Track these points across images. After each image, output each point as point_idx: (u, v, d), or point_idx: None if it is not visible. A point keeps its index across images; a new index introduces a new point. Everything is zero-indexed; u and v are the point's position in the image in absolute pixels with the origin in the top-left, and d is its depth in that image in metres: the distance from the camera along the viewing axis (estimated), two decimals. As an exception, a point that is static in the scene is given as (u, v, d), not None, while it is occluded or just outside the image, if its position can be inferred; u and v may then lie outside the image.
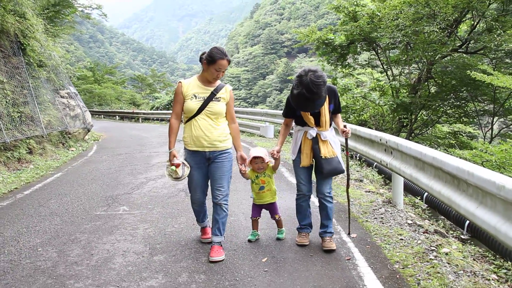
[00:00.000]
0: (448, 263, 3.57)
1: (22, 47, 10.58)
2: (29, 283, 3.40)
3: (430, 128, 13.88)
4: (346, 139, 4.17)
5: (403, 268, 3.54)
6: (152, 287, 3.29)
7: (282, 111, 4.30)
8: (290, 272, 3.51)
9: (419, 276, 3.36)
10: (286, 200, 5.74)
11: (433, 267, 3.49)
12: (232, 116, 3.98)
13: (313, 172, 4.11)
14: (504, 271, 3.55)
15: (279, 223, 4.31)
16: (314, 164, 4.03)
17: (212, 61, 3.66)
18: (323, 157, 3.87)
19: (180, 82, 3.89)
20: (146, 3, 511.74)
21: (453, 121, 13.10)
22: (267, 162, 4.12)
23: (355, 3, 13.51)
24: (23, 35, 10.46)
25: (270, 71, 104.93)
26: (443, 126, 14.36)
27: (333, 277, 3.40)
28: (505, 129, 12.96)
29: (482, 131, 12.67)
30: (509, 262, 3.64)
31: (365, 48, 14.44)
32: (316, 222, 4.31)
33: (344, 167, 4.01)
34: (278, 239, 4.27)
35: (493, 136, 11.45)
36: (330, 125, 4.00)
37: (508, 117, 12.07)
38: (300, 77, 3.55)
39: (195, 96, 3.76)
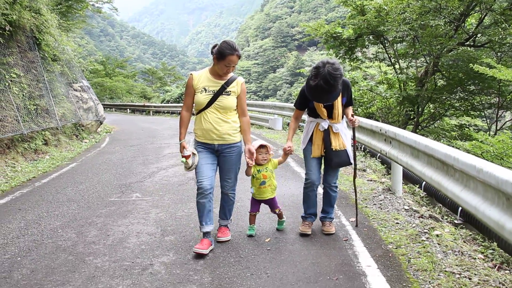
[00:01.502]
0: (439, 244, 3.83)
1: (37, 42, 10.93)
2: (52, 259, 3.73)
3: (438, 121, 14.01)
4: (354, 129, 4.29)
5: (396, 248, 3.80)
6: (164, 263, 3.60)
7: (290, 104, 4.36)
8: (291, 250, 3.79)
9: (410, 255, 3.63)
10: (291, 187, 6.00)
11: (424, 247, 3.75)
12: (243, 109, 3.96)
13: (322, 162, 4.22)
14: (491, 251, 3.80)
15: (280, 215, 4.35)
16: (324, 155, 4.11)
17: (221, 57, 3.65)
18: (333, 149, 3.98)
19: (191, 74, 3.89)
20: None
21: (460, 114, 13.20)
22: (270, 155, 4.13)
23: (363, -4, 13.67)
24: (38, 31, 10.81)
25: (280, 64, 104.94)
26: (450, 119, 14.47)
27: (330, 255, 3.68)
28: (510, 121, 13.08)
29: (487, 124, 12.80)
30: (495, 243, 3.87)
31: (372, 41, 14.57)
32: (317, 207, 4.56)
33: (352, 160, 4.15)
34: (277, 230, 4.33)
35: (498, 128, 11.57)
36: (342, 117, 4.09)
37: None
38: (317, 68, 3.63)
39: (205, 90, 3.77)
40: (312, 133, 4.10)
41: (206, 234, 3.89)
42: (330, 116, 4.00)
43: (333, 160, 4.01)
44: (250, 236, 4.22)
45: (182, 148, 3.83)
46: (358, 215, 4.57)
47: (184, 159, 3.79)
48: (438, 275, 3.22)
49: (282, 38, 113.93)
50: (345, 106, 4.09)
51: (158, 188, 6.42)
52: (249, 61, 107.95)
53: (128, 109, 35.43)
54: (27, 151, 9.49)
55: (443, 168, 3.69)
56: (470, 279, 3.13)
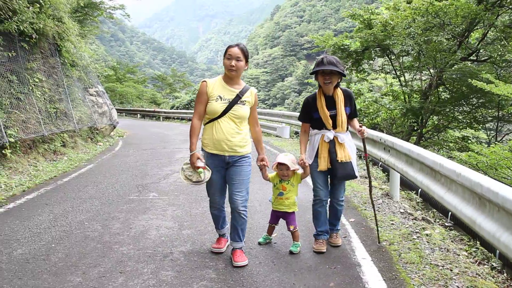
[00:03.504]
0: (428, 242, 4.28)
1: (58, 49, 11.54)
2: (82, 246, 4.22)
3: (442, 133, 14.38)
4: (364, 141, 4.29)
5: (389, 245, 4.25)
6: (182, 251, 4.07)
7: (298, 113, 4.43)
8: (295, 244, 4.25)
9: (401, 250, 4.08)
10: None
11: (414, 244, 4.21)
12: (256, 119, 3.94)
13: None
14: (475, 249, 4.24)
15: (294, 236, 4.14)
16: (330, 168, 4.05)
17: (224, 52, 3.70)
18: (339, 161, 3.94)
19: (204, 81, 3.76)
20: (167, 3, 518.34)
21: (463, 126, 13.56)
22: (294, 170, 4.02)
23: (370, 11, 14.18)
24: (60, 38, 11.42)
25: (289, 73, 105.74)
26: (454, 131, 14.81)
27: (330, 249, 4.14)
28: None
29: (488, 136, 13.20)
30: (478, 242, 4.31)
31: (379, 54, 15.03)
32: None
33: (357, 173, 4.12)
34: (291, 252, 4.05)
35: (498, 140, 11.98)
36: (347, 128, 4.12)
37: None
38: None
39: (220, 98, 3.65)
40: (318, 145, 4.08)
41: (222, 234, 4.15)
42: (335, 126, 4.03)
43: (338, 172, 3.97)
44: (259, 244, 4.27)
45: (196, 158, 3.72)
46: (357, 216, 5.03)
47: (201, 170, 3.70)
48: (424, 267, 3.67)
49: (291, 47, 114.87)
50: (349, 117, 4.14)
51: (173, 189, 6.91)
52: (258, 69, 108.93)
53: (138, 114, 36.12)
54: (47, 152, 10.02)
55: (432, 173, 4.15)
56: (451, 270, 3.58)
